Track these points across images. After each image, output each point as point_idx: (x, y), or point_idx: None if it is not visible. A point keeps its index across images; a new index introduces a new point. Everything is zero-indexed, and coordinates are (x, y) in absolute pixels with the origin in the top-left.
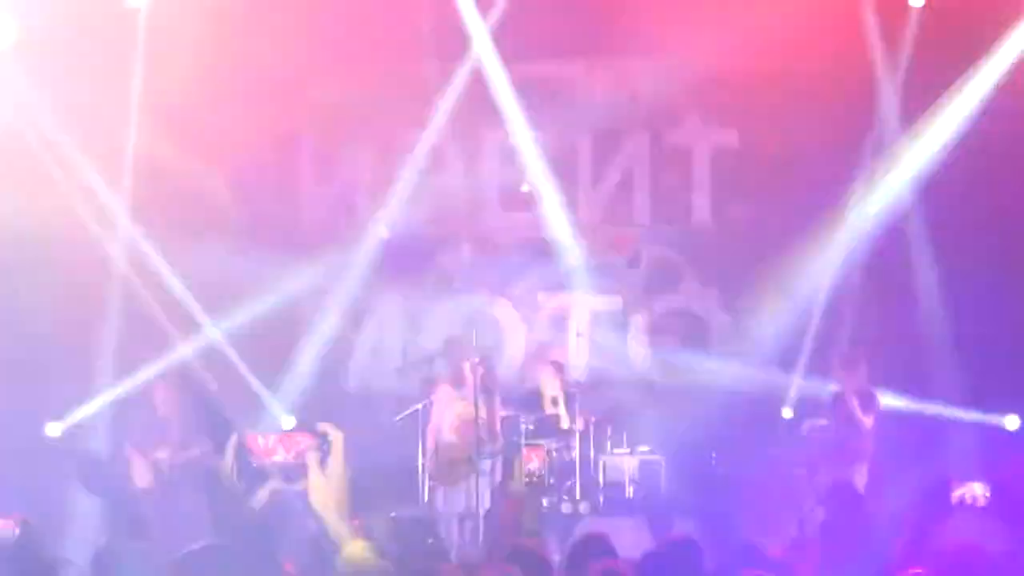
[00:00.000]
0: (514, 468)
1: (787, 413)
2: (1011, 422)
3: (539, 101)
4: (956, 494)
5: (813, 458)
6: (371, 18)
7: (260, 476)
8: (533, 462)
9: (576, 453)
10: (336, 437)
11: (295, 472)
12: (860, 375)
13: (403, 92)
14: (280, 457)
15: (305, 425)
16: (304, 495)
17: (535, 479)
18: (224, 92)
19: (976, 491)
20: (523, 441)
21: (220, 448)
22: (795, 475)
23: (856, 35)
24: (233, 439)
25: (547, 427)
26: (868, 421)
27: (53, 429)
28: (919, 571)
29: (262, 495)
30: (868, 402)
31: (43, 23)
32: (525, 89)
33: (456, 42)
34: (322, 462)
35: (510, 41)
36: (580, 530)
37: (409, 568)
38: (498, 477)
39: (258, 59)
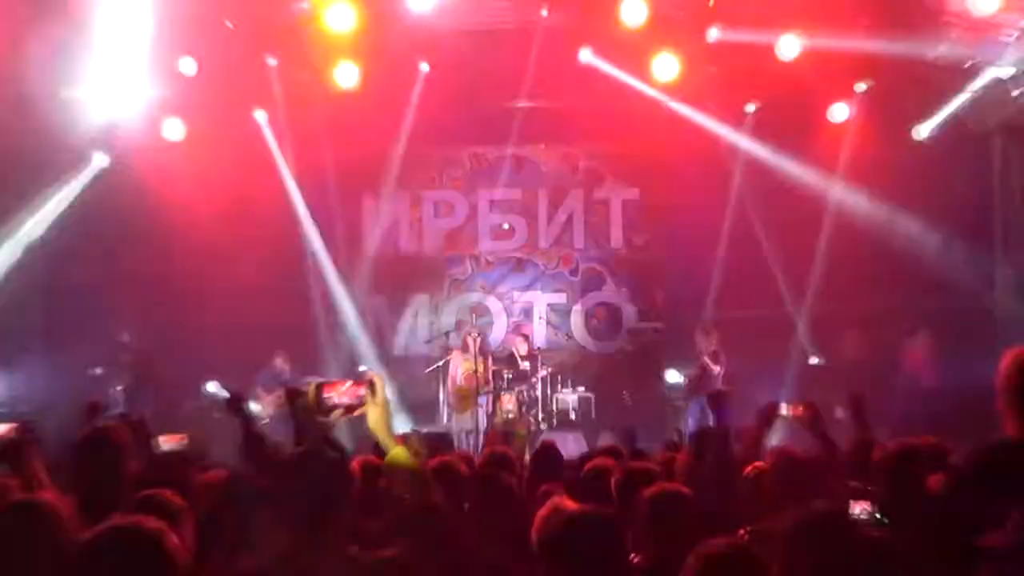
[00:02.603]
0: (496, 409)
1: (672, 376)
2: (813, 358)
3: (514, 170)
4: (781, 412)
5: (685, 394)
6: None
7: (332, 407)
8: (509, 404)
9: (539, 392)
10: (379, 380)
11: (355, 403)
12: (712, 340)
13: (428, 165)
14: (346, 394)
15: (363, 375)
16: (362, 419)
17: (510, 415)
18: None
19: (795, 410)
20: (504, 386)
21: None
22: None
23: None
24: (314, 384)
25: (520, 376)
26: (717, 369)
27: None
28: (762, 463)
29: (334, 419)
30: (716, 357)
31: None
32: (506, 162)
33: (462, 133)
34: (373, 397)
35: (496, 132)
36: (541, 440)
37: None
38: (489, 409)
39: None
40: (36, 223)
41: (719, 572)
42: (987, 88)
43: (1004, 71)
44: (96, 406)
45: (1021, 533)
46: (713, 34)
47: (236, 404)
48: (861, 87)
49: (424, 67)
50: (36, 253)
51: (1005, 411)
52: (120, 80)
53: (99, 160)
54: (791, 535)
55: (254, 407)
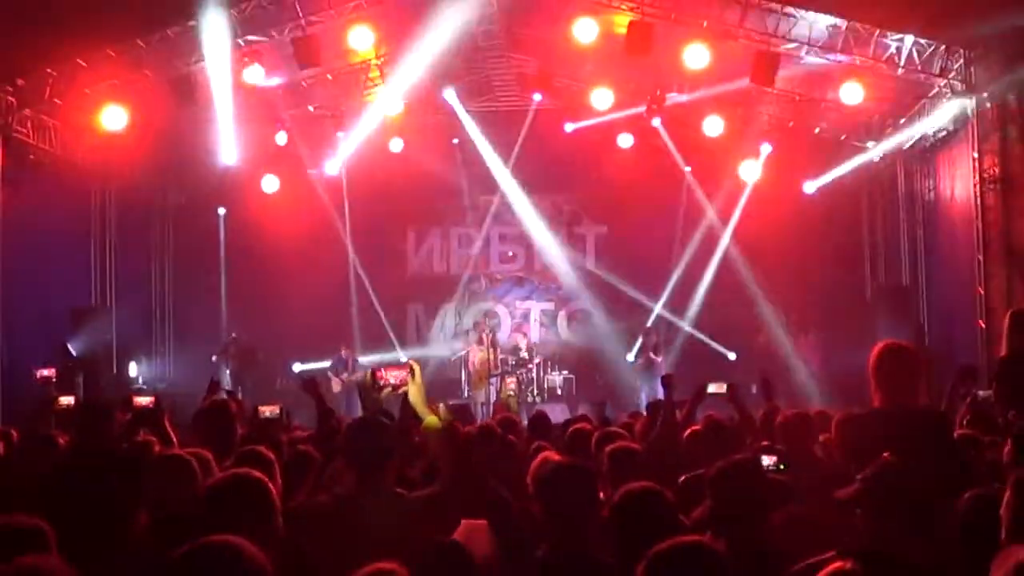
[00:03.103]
0: (501, 388)
1: (630, 357)
2: (731, 355)
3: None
4: (709, 390)
5: (641, 376)
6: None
7: (383, 386)
8: (511, 384)
9: (534, 374)
10: (417, 366)
11: (400, 383)
12: (653, 336)
13: (455, 209)
14: (393, 376)
15: (405, 362)
16: (405, 395)
17: (511, 393)
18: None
19: (720, 389)
20: (509, 370)
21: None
22: (633, 385)
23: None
24: (370, 369)
25: (520, 363)
26: (659, 360)
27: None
28: (697, 427)
29: (384, 395)
30: (658, 350)
31: None
32: (510, 207)
33: (479, 185)
34: (413, 378)
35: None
36: (536, 410)
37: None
38: (498, 387)
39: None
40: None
41: (633, 505)
42: (855, 155)
43: (867, 143)
44: (215, 385)
45: (860, 488)
46: (656, 122)
47: (310, 386)
48: (767, 148)
49: (455, 140)
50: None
51: (872, 389)
52: (235, 149)
53: (221, 211)
54: (714, 477)
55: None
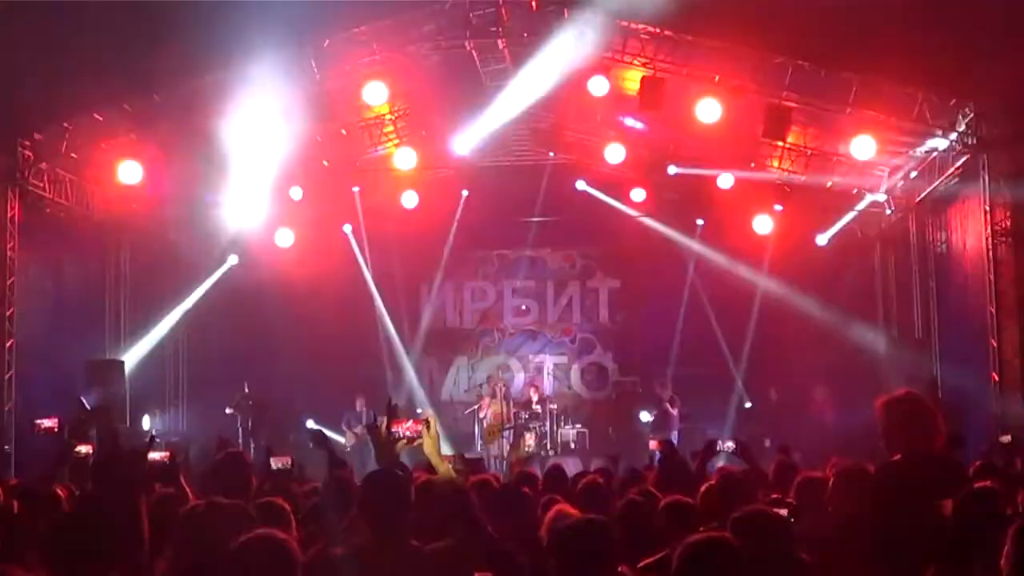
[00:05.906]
0: (520, 443)
1: (644, 416)
2: (747, 403)
3: (529, 266)
4: (718, 446)
5: (653, 430)
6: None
7: (399, 438)
8: (529, 441)
9: (547, 428)
10: (433, 418)
11: (415, 436)
12: (668, 391)
13: (468, 263)
14: (408, 429)
15: (421, 414)
16: (420, 447)
17: (530, 449)
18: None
19: (728, 445)
20: (524, 424)
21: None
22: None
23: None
24: (385, 420)
25: (533, 417)
26: (674, 412)
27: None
28: (712, 481)
29: (400, 447)
30: (673, 403)
31: None
32: (523, 261)
33: (492, 240)
34: (428, 430)
35: (516, 239)
36: (550, 463)
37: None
38: (511, 440)
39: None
40: (193, 301)
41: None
42: (868, 208)
43: (879, 196)
44: (225, 440)
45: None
46: (672, 170)
47: (319, 439)
48: (778, 207)
49: (464, 192)
50: (185, 325)
51: (890, 439)
52: (249, 201)
53: (232, 259)
54: (735, 526)
55: (340, 438)
